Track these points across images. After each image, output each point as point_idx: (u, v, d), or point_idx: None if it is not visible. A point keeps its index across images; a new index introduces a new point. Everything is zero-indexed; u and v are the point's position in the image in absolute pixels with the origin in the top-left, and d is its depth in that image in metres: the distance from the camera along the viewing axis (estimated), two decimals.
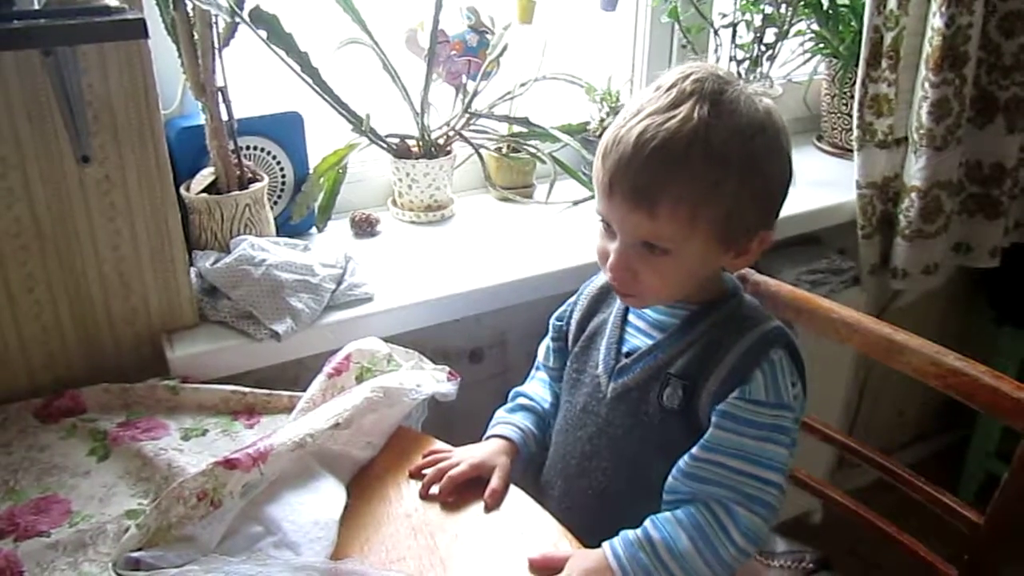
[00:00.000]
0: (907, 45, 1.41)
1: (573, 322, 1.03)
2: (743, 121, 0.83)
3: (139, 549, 0.74)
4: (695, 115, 0.81)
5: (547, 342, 1.08)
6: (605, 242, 0.89)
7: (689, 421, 0.89)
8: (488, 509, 0.87)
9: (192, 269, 1.09)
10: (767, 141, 0.85)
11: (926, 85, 1.40)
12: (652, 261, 0.85)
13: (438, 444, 0.96)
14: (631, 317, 0.96)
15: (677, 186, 0.81)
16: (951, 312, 1.92)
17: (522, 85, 1.37)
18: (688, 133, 0.81)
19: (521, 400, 1.06)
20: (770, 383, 0.85)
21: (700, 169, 0.81)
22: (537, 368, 1.10)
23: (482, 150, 1.40)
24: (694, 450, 0.85)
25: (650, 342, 0.93)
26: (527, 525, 0.85)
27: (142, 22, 0.87)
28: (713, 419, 0.86)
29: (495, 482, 0.89)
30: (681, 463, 0.86)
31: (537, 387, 1.07)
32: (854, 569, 1.10)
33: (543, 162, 1.41)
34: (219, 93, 1.09)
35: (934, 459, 2.08)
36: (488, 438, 0.99)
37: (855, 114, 1.44)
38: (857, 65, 1.43)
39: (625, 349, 0.95)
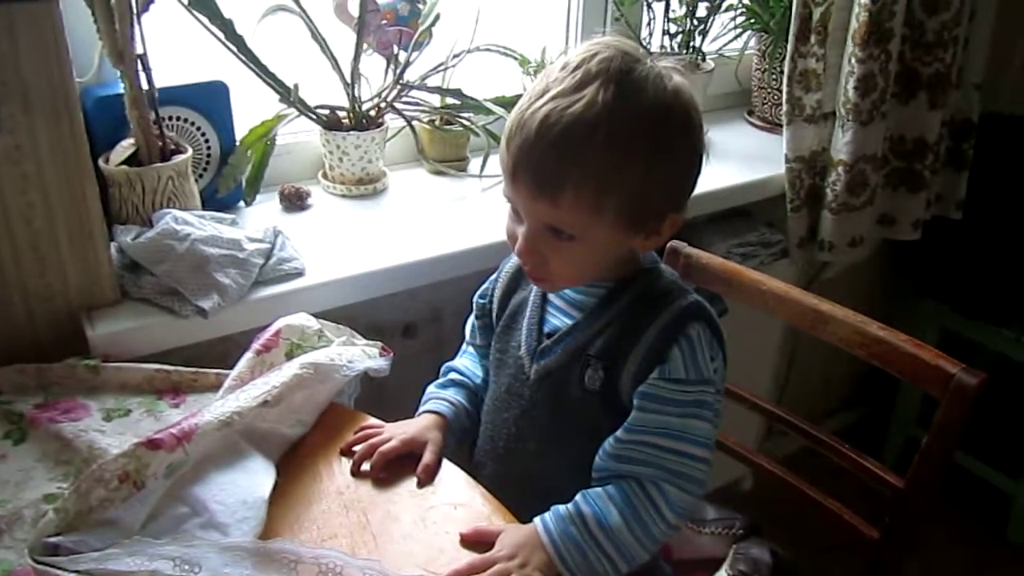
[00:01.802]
0: (835, 20, 1.43)
1: (495, 300, 1.02)
2: (649, 103, 0.81)
3: (58, 534, 0.72)
4: (599, 99, 0.79)
5: (472, 320, 1.07)
6: (514, 224, 0.88)
7: (611, 402, 0.88)
8: (421, 484, 0.87)
9: (112, 244, 1.05)
10: (675, 123, 0.83)
11: (853, 60, 1.43)
12: (559, 246, 0.85)
13: (370, 420, 0.95)
14: (551, 296, 0.95)
15: (580, 173, 0.80)
16: (876, 283, 1.98)
17: (455, 56, 1.35)
18: (591, 118, 0.79)
19: (453, 375, 1.05)
20: (689, 360, 0.85)
21: (603, 155, 0.80)
22: (467, 341, 1.10)
23: (415, 122, 1.38)
24: (619, 432, 0.86)
25: (570, 322, 0.92)
26: (460, 501, 0.85)
27: None
28: (635, 401, 0.85)
29: (427, 457, 0.89)
30: (607, 445, 0.86)
31: (468, 362, 1.07)
32: (782, 533, 1.13)
33: (477, 135, 1.40)
34: (138, 61, 1.04)
35: (859, 426, 2.15)
36: (420, 414, 0.98)
37: (784, 89, 1.46)
38: (787, 40, 1.44)
39: (546, 330, 0.94)
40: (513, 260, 1.01)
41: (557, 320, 0.94)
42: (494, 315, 1.02)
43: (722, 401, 0.89)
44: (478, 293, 1.06)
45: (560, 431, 0.93)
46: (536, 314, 0.95)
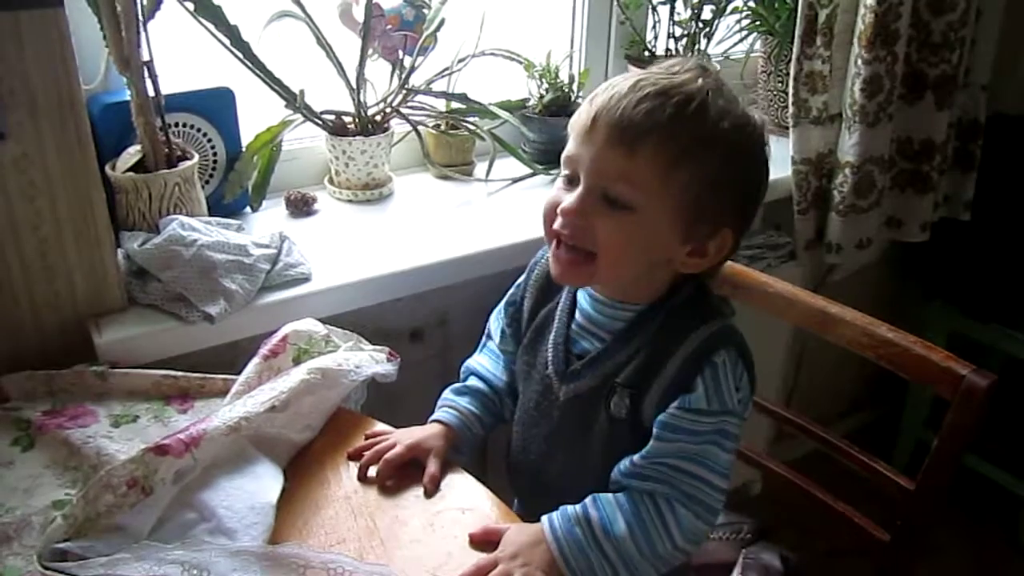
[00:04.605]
0: (841, 22, 1.43)
1: (525, 310, 1.00)
2: (738, 110, 0.83)
3: (66, 540, 0.72)
4: (699, 81, 0.81)
5: (501, 324, 1.05)
6: (560, 194, 0.85)
7: (637, 429, 0.86)
8: (428, 494, 0.86)
9: (119, 251, 1.05)
10: (754, 137, 0.85)
11: (859, 62, 1.42)
12: (612, 216, 0.81)
13: (378, 426, 0.95)
14: (578, 316, 0.93)
15: (664, 133, 0.79)
16: (884, 286, 1.97)
17: (460, 61, 1.35)
18: (688, 92, 0.80)
19: (472, 381, 1.04)
20: (712, 390, 0.83)
21: (692, 126, 0.80)
22: (489, 337, 1.08)
23: (420, 127, 1.38)
24: (635, 457, 0.84)
25: (599, 346, 0.90)
26: (468, 505, 0.85)
27: None
28: (655, 430, 0.84)
29: (431, 467, 0.88)
30: (622, 465, 0.85)
31: (489, 362, 1.06)
32: (791, 537, 1.13)
33: (482, 139, 1.40)
34: (144, 68, 1.05)
35: (869, 429, 2.14)
36: (430, 421, 0.98)
37: (790, 91, 1.46)
38: (792, 42, 1.44)
39: (576, 351, 0.92)
40: (541, 267, 0.98)
41: (586, 342, 0.92)
42: (523, 324, 1.00)
43: (742, 426, 0.86)
44: (506, 300, 1.04)
45: (588, 453, 0.92)
46: (563, 332, 0.93)
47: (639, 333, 0.88)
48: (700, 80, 0.82)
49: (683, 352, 0.84)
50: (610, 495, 0.84)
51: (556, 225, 0.85)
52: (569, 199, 0.83)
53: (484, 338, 1.09)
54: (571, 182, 0.85)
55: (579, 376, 0.91)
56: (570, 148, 0.85)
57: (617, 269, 0.86)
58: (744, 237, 0.89)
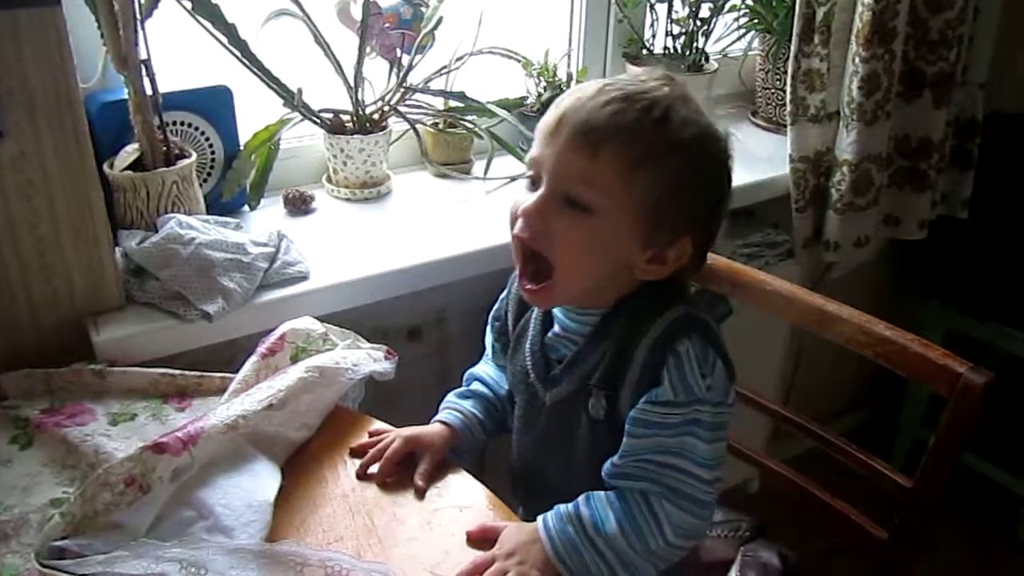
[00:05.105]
0: (838, 20, 1.43)
1: (509, 322, 1.01)
2: (703, 120, 0.84)
3: (64, 538, 0.72)
4: (665, 89, 0.83)
5: (492, 339, 1.06)
6: (524, 199, 0.85)
7: (615, 430, 0.86)
8: (418, 492, 0.86)
9: (117, 249, 1.05)
10: (718, 147, 0.86)
11: (857, 60, 1.42)
12: (571, 219, 0.82)
13: (379, 424, 0.95)
14: (555, 324, 0.93)
15: (627, 136, 0.80)
16: (882, 284, 1.97)
17: (458, 59, 1.35)
18: (654, 98, 0.81)
19: (475, 385, 1.04)
20: (677, 380, 0.82)
21: (653, 133, 0.81)
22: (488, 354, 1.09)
23: (418, 126, 1.38)
24: (615, 458, 0.85)
25: (575, 348, 0.91)
26: (465, 503, 0.85)
27: None
28: (627, 427, 0.84)
29: (423, 465, 0.88)
30: (605, 468, 0.85)
31: (492, 370, 1.06)
32: (789, 535, 1.13)
33: (480, 137, 1.40)
34: (142, 66, 1.05)
35: (867, 427, 2.14)
36: (432, 422, 0.98)
37: (788, 89, 1.46)
38: (790, 40, 1.44)
39: (555, 357, 0.93)
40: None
41: (564, 348, 0.92)
42: (509, 334, 1.00)
43: (724, 415, 0.85)
44: (492, 314, 1.05)
45: (574, 457, 0.92)
46: (538, 339, 0.94)
47: (609, 334, 0.88)
48: (666, 88, 0.83)
49: (645, 345, 0.84)
50: (603, 493, 0.84)
51: (516, 228, 0.85)
52: (529, 200, 0.84)
53: (486, 349, 1.09)
54: (534, 184, 0.85)
55: (559, 381, 0.92)
56: (534, 150, 0.86)
57: (574, 278, 0.85)
58: (707, 250, 0.90)
